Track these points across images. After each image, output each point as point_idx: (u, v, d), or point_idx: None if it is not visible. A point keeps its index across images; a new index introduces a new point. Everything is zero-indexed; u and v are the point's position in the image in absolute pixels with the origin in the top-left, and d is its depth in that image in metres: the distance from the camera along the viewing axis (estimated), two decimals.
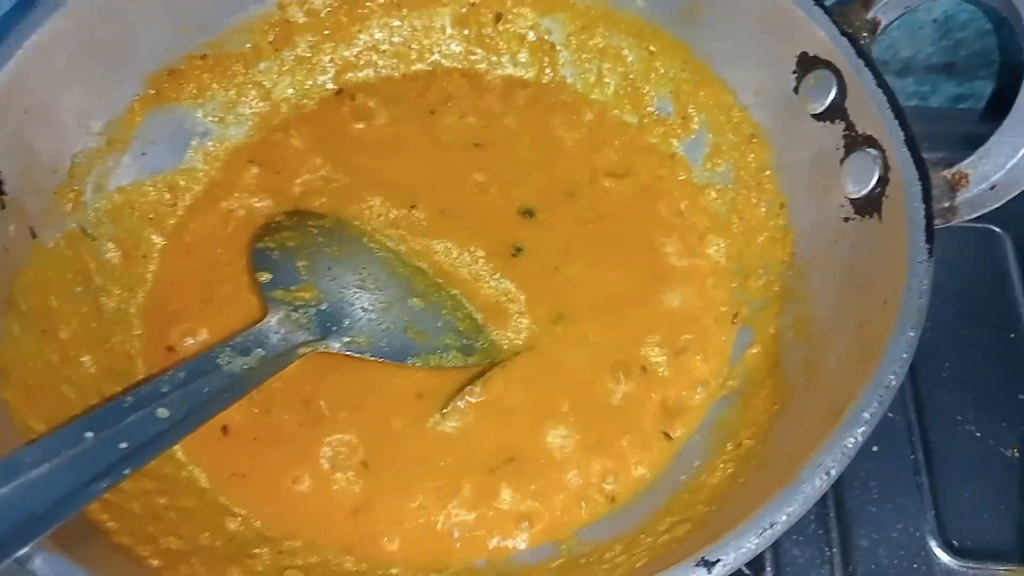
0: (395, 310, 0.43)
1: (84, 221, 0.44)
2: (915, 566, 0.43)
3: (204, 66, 0.48)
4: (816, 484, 0.31)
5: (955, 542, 0.44)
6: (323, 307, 0.42)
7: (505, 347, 0.44)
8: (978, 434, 0.47)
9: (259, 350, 0.40)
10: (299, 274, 0.43)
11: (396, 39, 0.51)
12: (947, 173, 0.39)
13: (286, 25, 0.49)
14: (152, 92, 0.46)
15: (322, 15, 0.49)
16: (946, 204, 0.39)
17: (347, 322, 0.42)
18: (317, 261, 0.44)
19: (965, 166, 0.39)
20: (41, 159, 0.42)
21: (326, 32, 0.50)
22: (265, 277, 0.43)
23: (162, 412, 0.36)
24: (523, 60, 0.52)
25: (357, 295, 0.43)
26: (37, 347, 0.39)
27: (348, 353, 0.41)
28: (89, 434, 0.33)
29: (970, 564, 0.43)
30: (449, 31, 0.52)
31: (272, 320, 0.41)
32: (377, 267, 0.45)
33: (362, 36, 0.51)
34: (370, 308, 0.43)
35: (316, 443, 0.41)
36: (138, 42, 0.45)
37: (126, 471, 0.33)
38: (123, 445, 0.34)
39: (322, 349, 0.41)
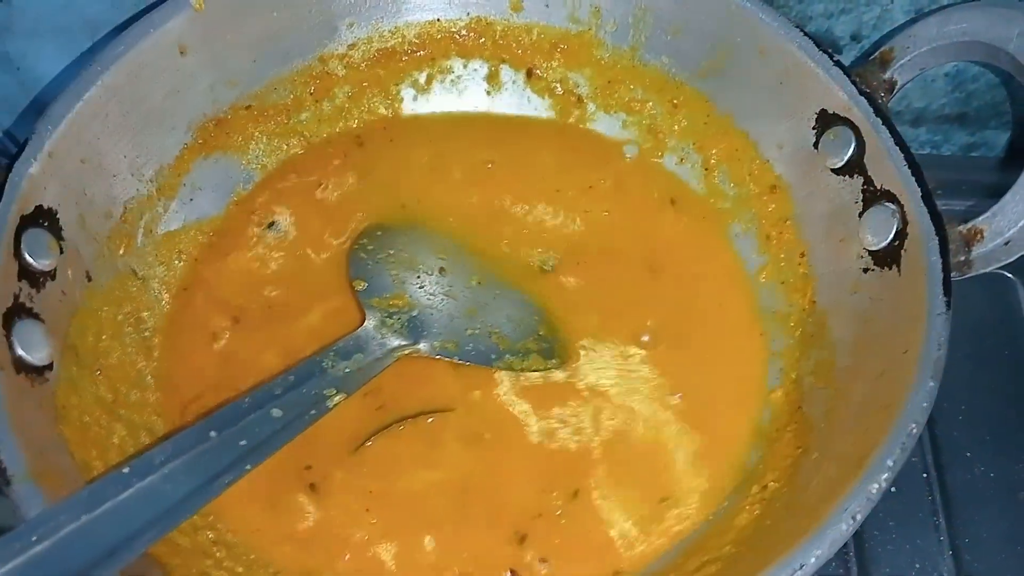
0: (479, 316, 0.46)
1: (135, 264, 0.45)
2: None
3: (249, 116, 0.50)
4: (843, 528, 0.32)
5: None
6: (414, 313, 0.45)
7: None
8: (993, 475, 0.48)
9: (359, 354, 0.43)
10: (391, 283, 0.46)
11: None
12: (963, 228, 0.40)
13: (327, 77, 0.51)
14: (200, 141, 0.48)
15: (361, 68, 0.51)
16: (961, 258, 0.40)
17: (436, 328, 0.45)
18: (406, 271, 0.47)
19: (980, 222, 0.40)
20: (96, 206, 0.44)
21: (364, 84, 0.52)
22: (362, 285, 0.46)
23: (276, 412, 0.39)
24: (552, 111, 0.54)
25: (444, 302, 0.46)
26: (92, 386, 0.41)
27: (438, 357, 0.44)
28: (213, 433, 0.36)
29: None
30: (483, 84, 0.54)
31: (370, 326, 0.44)
32: (459, 275, 0.47)
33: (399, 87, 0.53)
34: (456, 315, 0.46)
35: None
36: (187, 94, 0.47)
37: (247, 467, 0.36)
38: (243, 443, 0.37)
39: (414, 353, 0.44)
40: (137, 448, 0.41)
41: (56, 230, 0.41)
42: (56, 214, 0.41)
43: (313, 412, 0.40)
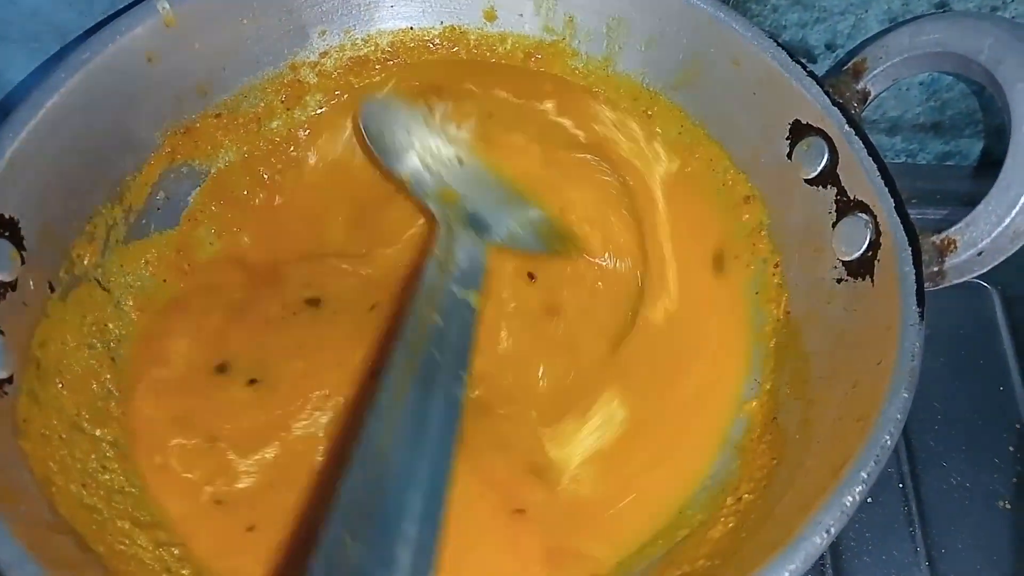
0: (510, 206, 0.48)
1: (100, 275, 0.45)
2: None
3: (218, 124, 0.49)
4: (817, 542, 0.32)
5: None
6: (469, 209, 0.47)
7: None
8: (969, 485, 0.48)
9: (460, 249, 0.44)
10: (430, 175, 0.48)
11: None
12: (936, 239, 0.40)
13: (298, 85, 0.50)
14: (167, 150, 0.47)
15: (333, 76, 0.51)
16: (935, 268, 0.40)
17: (489, 218, 0.47)
18: (430, 157, 0.48)
19: (953, 232, 0.40)
20: (60, 215, 0.43)
21: (336, 92, 0.51)
22: (409, 179, 0.48)
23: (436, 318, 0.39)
24: None
25: (480, 193, 0.48)
26: (53, 399, 0.40)
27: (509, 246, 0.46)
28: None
29: None
30: None
31: (442, 229, 0.45)
32: (475, 165, 0.49)
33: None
34: (496, 205, 0.47)
35: None
36: (155, 101, 0.46)
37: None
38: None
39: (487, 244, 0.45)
40: (100, 462, 0.40)
41: (17, 240, 0.40)
42: (17, 223, 0.40)
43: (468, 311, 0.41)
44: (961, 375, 0.51)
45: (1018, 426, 0.50)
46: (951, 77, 0.55)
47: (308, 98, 0.51)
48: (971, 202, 0.40)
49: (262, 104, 0.50)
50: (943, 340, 0.51)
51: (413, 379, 0.36)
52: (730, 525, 0.39)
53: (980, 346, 0.53)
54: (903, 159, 0.61)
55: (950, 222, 0.41)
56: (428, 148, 0.48)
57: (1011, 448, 0.49)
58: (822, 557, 0.46)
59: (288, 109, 0.51)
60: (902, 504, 0.47)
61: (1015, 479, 0.48)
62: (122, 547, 0.37)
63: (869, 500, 0.46)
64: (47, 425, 0.39)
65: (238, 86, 0.49)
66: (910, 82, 0.55)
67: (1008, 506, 0.47)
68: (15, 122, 0.40)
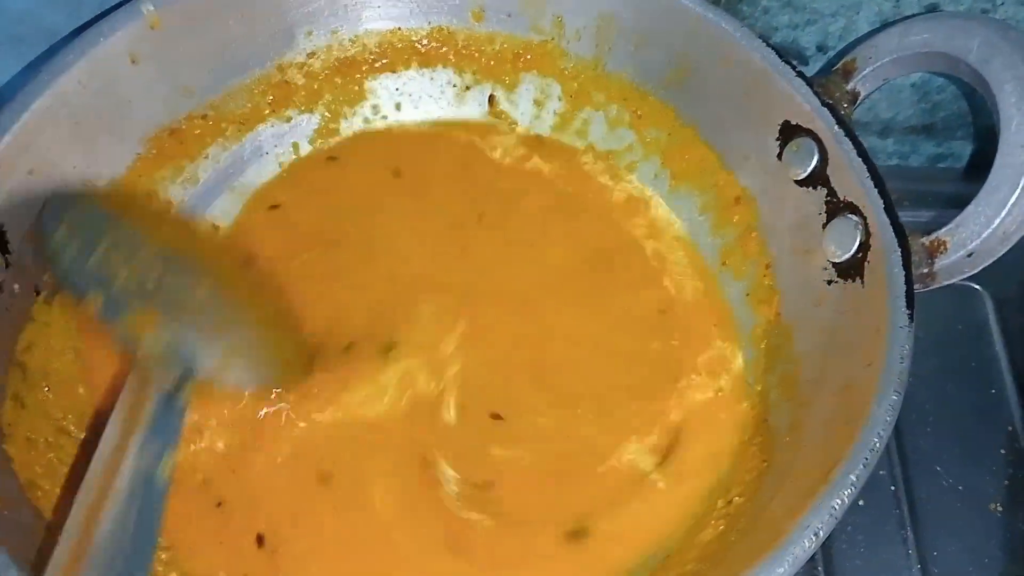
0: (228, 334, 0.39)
1: None
2: None
3: (205, 126, 0.49)
4: (805, 545, 0.32)
5: None
6: (170, 334, 0.37)
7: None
8: (961, 488, 0.48)
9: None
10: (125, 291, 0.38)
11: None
12: (926, 240, 0.40)
13: (285, 86, 0.50)
14: (154, 152, 0.47)
15: (320, 77, 0.51)
16: (925, 270, 0.40)
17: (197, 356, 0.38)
18: (131, 272, 0.38)
19: (943, 233, 0.40)
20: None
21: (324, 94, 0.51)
22: (97, 299, 0.37)
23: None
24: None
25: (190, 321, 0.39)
26: (39, 403, 0.40)
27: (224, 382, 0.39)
28: None
29: None
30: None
31: (132, 375, 0.37)
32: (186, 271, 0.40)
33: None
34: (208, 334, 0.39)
35: None
36: (141, 103, 0.46)
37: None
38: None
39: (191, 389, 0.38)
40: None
41: (2, 244, 0.40)
42: (2, 227, 0.40)
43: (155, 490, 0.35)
44: (953, 378, 0.51)
45: (1010, 428, 0.50)
46: (943, 79, 0.55)
47: (295, 99, 0.51)
48: (963, 204, 0.40)
49: (249, 105, 0.50)
50: (935, 343, 0.51)
51: None
52: (720, 528, 0.39)
53: (972, 349, 0.52)
54: (895, 161, 0.61)
55: (941, 224, 0.41)
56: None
57: (1003, 451, 0.49)
58: (814, 559, 0.45)
59: (275, 110, 0.50)
60: (894, 507, 0.47)
61: (1007, 482, 0.48)
62: None
63: (861, 503, 0.46)
64: (33, 429, 0.39)
65: (225, 87, 0.49)
66: (902, 84, 0.55)
67: (1000, 509, 0.47)
68: None
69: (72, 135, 0.43)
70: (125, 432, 0.35)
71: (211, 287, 0.39)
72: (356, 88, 0.52)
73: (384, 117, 0.53)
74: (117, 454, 0.35)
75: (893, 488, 0.48)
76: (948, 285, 0.41)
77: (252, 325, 0.40)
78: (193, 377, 0.38)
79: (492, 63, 0.51)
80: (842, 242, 0.41)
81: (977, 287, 0.54)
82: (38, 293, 0.42)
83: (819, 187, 0.43)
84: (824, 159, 0.42)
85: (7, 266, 0.40)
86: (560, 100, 0.52)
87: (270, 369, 0.40)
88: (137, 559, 0.33)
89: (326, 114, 0.52)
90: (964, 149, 0.60)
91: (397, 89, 0.52)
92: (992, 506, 0.47)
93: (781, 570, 0.31)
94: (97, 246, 0.38)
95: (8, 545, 0.32)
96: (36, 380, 0.40)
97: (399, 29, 0.51)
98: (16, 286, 0.40)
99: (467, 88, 0.53)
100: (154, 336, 0.37)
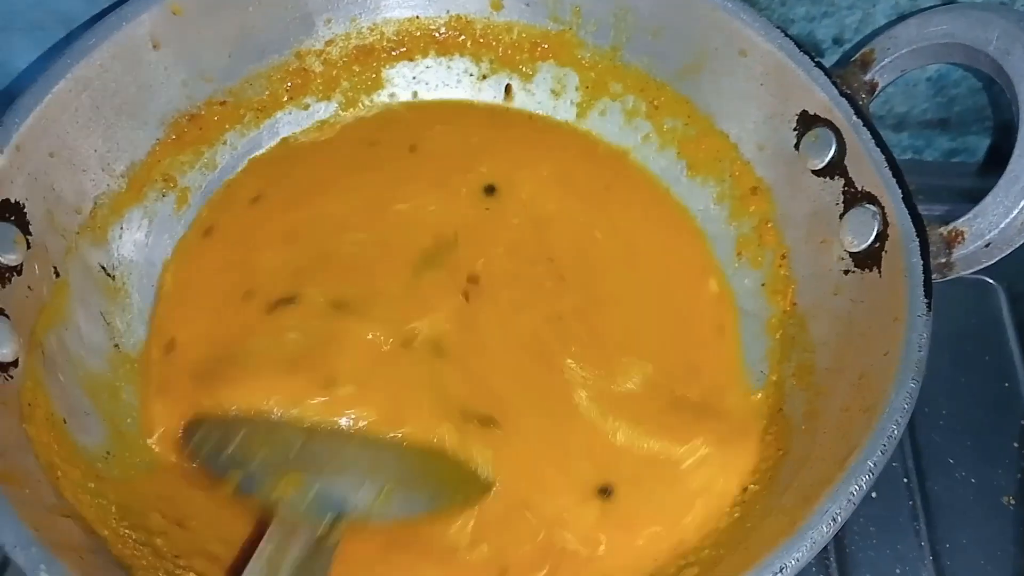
0: (380, 465, 0.39)
1: (105, 261, 0.45)
2: None
3: (223, 112, 0.49)
4: (823, 530, 0.32)
5: None
6: (317, 487, 0.37)
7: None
8: (974, 481, 0.48)
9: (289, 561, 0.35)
10: (266, 466, 0.38)
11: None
12: (943, 230, 0.40)
13: (303, 74, 0.50)
14: (173, 137, 0.47)
15: (339, 64, 0.51)
16: (942, 260, 0.40)
17: (348, 491, 0.38)
18: (272, 447, 0.39)
19: (961, 224, 0.40)
20: (65, 201, 0.43)
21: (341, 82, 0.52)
22: (235, 477, 0.38)
23: None
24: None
25: (335, 464, 0.38)
26: (59, 384, 0.40)
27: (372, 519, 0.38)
28: None
29: None
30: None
31: (274, 525, 0.36)
32: (331, 435, 0.39)
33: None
34: (356, 472, 0.38)
35: None
36: (160, 89, 0.46)
37: None
38: None
39: (342, 528, 0.37)
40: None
41: (23, 225, 0.40)
42: (23, 208, 0.40)
43: None
44: (967, 372, 0.51)
45: (1023, 422, 0.49)
46: (959, 73, 0.54)
47: (313, 86, 0.50)
48: (976, 199, 0.40)
49: (267, 92, 0.50)
50: (949, 337, 0.51)
51: None
52: (736, 515, 0.39)
53: (986, 343, 0.52)
54: (909, 155, 0.61)
55: (955, 218, 0.41)
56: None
57: (1016, 444, 0.49)
58: (826, 552, 0.45)
59: (292, 97, 0.50)
60: (907, 500, 0.47)
61: (1020, 475, 0.48)
62: (126, 531, 0.37)
63: (874, 495, 0.46)
64: (54, 410, 0.39)
65: (243, 73, 0.49)
66: (917, 78, 0.55)
67: (1013, 502, 0.47)
68: (21, 108, 0.40)
69: (93, 119, 0.43)
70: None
71: (360, 442, 0.39)
72: (373, 76, 0.52)
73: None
74: None
75: (906, 480, 0.48)
76: (962, 279, 0.41)
77: (407, 458, 0.39)
78: (346, 516, 0.37)
79: (510, 52, 0.51)
80: (859, 232, 0.41)
81: (991, 281, 0.54)
82: (57, 275, 0.42)
83: (836, 177, 0.43)
84: (842, 149, 0.42)
85: (28, 247, 0.40)
86: (577, 90, 0.52)
87: (436, 498, 0.39)
88: None
89: (343, 101, 0.52)
90: (978, 144, 0.60)
91: (414, 77, 0.53)
92: (1005, 499, 0.47)
93: (799, 554, 0.32)
94: (235, 437, 0.38)
95: (31, 523, 0.32)
96: (53, 360, 0.40)
97: (417, 17, 0.51)
98: (36, 267, 0.40)
99: (484, 77, 0.53)
100: (299, 496, 0.37)
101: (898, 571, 0.45)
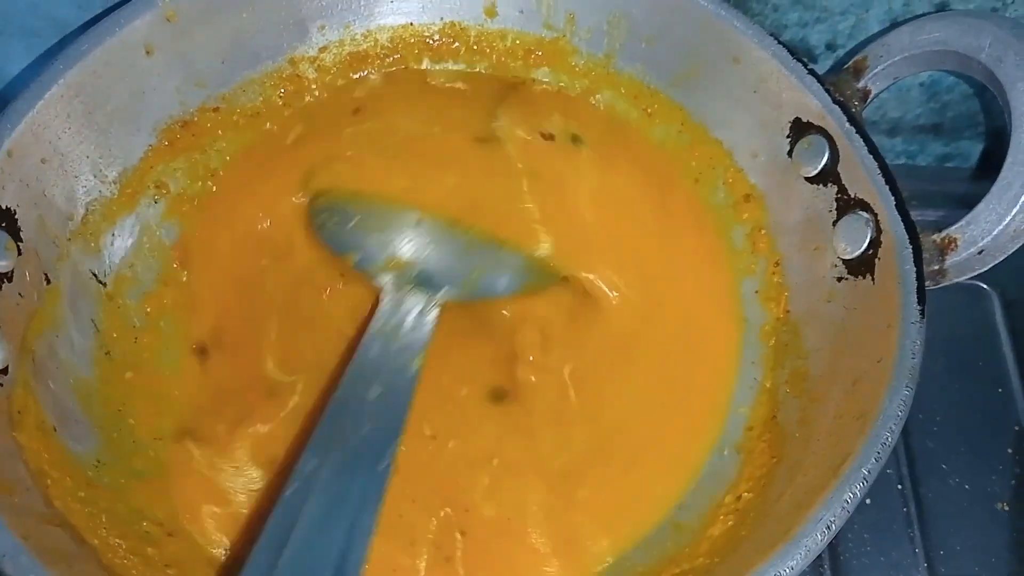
0: (475, 253, 0.46)
1: (97, 268, 0.44)
2: None
3: (216, 118, 0.49)
4: (818, 538, 0.32)
5: None
6: (422, 268, 0.45)
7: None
8: (968, 487, 0.48)
9: (401, 324, 0.42)
10: (380, 246, 0.45)
11: None
12: (936, 237, 0.40)
13: (297, 80, 0.50)
14: (166, 143, 0.47)
15: (332, 71, 0.51)
16: (935, 267, 0.40)
17: (447, 273, 0.45)
18: (385, 231, 0.46)
19: (954, 231, 0.40)
20: (57, 207, 0.42)
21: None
22: (355, 257, 0.45)
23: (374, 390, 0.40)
24: None
25: (438, 249, 0.45)
26: (49, 391, 0.40)
27: (464, 300, 0.44)
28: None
29: None
30: None
31: (387, 295, 0.44)
32: (436, 223, 0.46)
33: None
34: (456, 257, 0.45)
35: None
36: (153, 95, 0.46)
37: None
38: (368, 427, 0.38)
39: (441, 302, 0.44)
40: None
41: (14, 231, 0.40)
42: (14, 214, 0.40)
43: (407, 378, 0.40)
44: (960, 377, 0.51)
45: (1017, 428, 0.50)
46: (952, 78, 0.55)
47: (307, 93, 0.51)
48: (970, 204, 0.40)
49: (261, 98, 0.50)
50: (943, 343, 0.51)
51: (337, 461, 0.36)
52: (729, 523, 0.39)
53: (980, 348, 0.52)
54: (903, 160, 0.61)
55: (948, 223, 0.41)
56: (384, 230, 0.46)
57: (1010, 450, 0.49)
58: (821, 559, 0.45)
59: (286, 104, 0.50)
60: (901, 506, 0.47)
61: (1014, 481, 0.48)
62: (116, 540, 0.37)
63: (868, 501, 0.46)
64: (42, 416, 0.39)
65: (237, 80, 0.49)
66: (911, 83, 0.55)
67: (1007, 508, 0.47)
68: (13, 113, 0.40)
69: (85, 125, 0.43)
70: (385, 347, 0.41)
71: (462, 232, 0.46)
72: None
73: None
74: (375, 368, 0.40)
75: (900, 487, 0.48)
76: (956, 285, 0.41)
77: (492, 250, 0.46)
78: (442, 295, 0.44)
79: (504, 59, 0.51)
80: (853, 239, 0.41)
81: (985, 287, 0.54)
82: (48, 281, 0.42)
83: (829, 184, 0.43)
84: (835, 156, 0.42)
85: (19, 253, 0.40)
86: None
87: (518, 278, 0.46)
88: (389, 436, 0.38)
89: None
90: (971, 149, 0.60)
91: None
92: (999, 505, 0.47)
93: (794, 562, 0.32)
94: (353, 218, 0.46)
95: (20, 532, 0.32)
96: (43, 366, 0.40)
97: (411, 24, 0.51)
98: (27, 274, 0.40)
99: None
100: (405, 274, 0.44)
101: None
